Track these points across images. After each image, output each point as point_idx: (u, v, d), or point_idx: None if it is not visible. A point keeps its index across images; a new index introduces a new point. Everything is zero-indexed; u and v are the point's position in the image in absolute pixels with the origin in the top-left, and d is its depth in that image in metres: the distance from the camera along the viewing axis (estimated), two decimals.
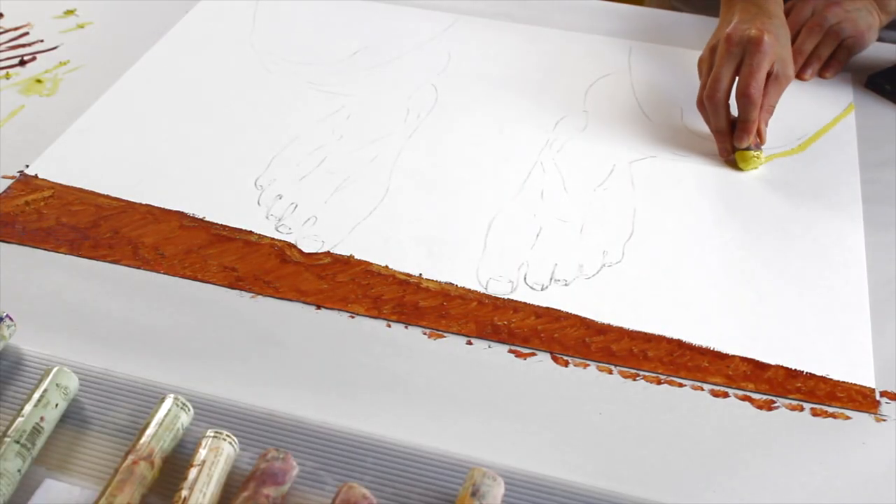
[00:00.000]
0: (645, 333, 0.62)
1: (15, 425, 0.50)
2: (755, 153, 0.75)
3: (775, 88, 0.76)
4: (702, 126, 0.80)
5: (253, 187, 0.74)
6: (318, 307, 0.63)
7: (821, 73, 0.88)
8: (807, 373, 0.60)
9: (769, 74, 0.75)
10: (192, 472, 0.48)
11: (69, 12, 0.97)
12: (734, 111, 0.76)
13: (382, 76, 0.88)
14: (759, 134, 0.76)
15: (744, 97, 0.74)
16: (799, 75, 0.87)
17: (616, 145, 0.78)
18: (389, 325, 0.62)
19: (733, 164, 0.76)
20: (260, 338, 0.61)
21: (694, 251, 0.68)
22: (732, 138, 0.76)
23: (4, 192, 0.73)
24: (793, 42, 0.87)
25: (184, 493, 0.47)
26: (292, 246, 0.68)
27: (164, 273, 0.66)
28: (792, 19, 0.88)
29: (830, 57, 0.88)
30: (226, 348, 0.60)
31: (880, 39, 0.92)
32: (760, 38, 0.73)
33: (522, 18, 0.96)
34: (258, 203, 0.72)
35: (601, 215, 0.71)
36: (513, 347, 0.61)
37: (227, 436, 0.51)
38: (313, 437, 0.53)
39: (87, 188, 0.73)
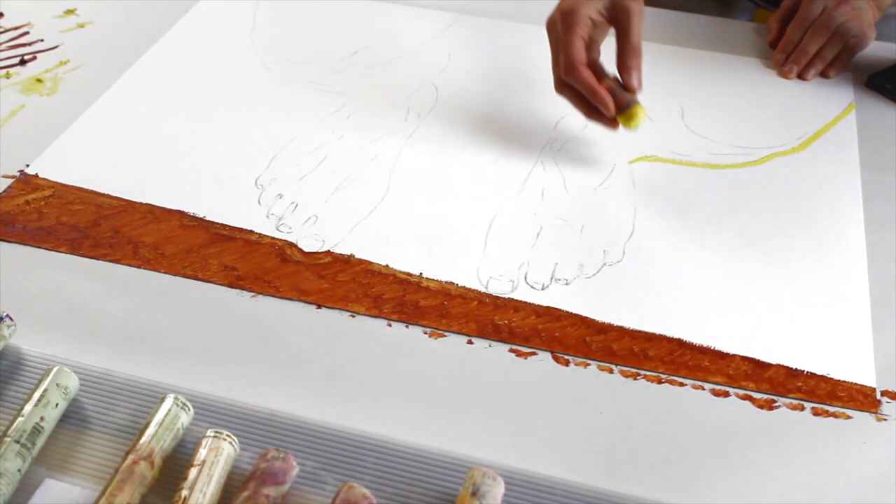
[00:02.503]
0: (645, 333, 0.62)
1: (15, 425, 0.50)
2: (640, 107, 0.73)
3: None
4: (702, 126, 0.81)
5: (253, 186, 0.74)
6: (319, 306, 0.63)
7: (824, 73, 0.88)
8: (807, 372, 0.60)
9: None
10: (192, 472, 0.48)
11: (69, 12, 0.96)
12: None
13: (382, 76, 0.88)
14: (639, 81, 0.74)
15: (628, 49, 0.72)
16: (801, 76, 0.87)
17: (616, 145, 0.78)
18: (390, 325, 0.62)
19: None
20: (260, 338, 0.61)
21: (694, 250, 0.68)
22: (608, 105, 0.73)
23: (4, 191, 0.73)
24: (798, 42, 0.87)
25: (184, 493, 0.47)
26: (293, 245, 0.68)
27: (164, 272, 0.66)
28: (801, 15, 0.88)
29: (834, 57, 0.87)
30: (226, 348, 0.60)
31: (880, 38, 0.92)
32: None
33: (522, 18, 0.96)
34: (258, 202, 0.72)
35: (602, 215, 0.71)
36: (513, 347, 0.61)
37: (227, 436, 0.51)
38: (313, 437, 0.53)
39: (87, 187, 0.73)
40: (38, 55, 0.89)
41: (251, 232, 0.69)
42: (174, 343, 0.60)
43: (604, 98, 0.72)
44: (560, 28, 0.73)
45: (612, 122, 0.73)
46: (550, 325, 0.62)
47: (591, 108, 0.74)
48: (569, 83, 0.73)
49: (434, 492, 0.51)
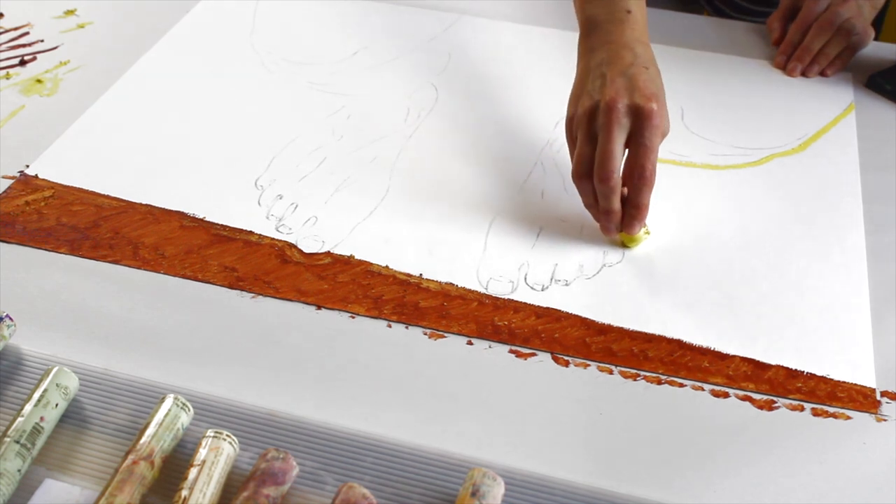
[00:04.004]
0: (645, 333, 0.62)
1: (15, 425, 0.50)
2: (645, 229, 0.68)
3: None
4: (702, 127, 0.81)
5: (253, 187, 0.74)
6: (319, 307, 0.63)
7: (822, 72, 0.88)
8: (807, 373, 0.60)
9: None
10: (192, 472, 0.48)
11: (69, 12, 0.96)
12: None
13: (382, 76, 0.88)
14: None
15: (640, 179, 0.64)
16: (805, 73, 0.87)
17: None
18: (390, 326, 0.62)
19: (623, 241, 0.68)
20: (260, 338, 0.61)
21: (694, 251, 0.68)
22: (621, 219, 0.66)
23: (4, 192, 0.73)
24: (801, 39, 0.87)
25: (184, 493, 0.47)
26: (293, 246, 0.68)
27: (164, 273, 0.66)
28: (804, 14, 0.88)
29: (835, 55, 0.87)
30: (226, 348, 0.60)
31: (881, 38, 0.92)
32: (651, 110, 0.63)
33: (522, 18, 0.96)
34: (258, 203, 0.72)
35: None
36: (513, 347, 0.61)
37: (227, 436, 0.51)
38: (313, 437, 0.53)
39: (87, 188, 0.73)
40: (37, 56, 0.89)
41: (251, 233, 0.69)
42: (174, 343, 0.60)
43: (617, 219, 0.66)
44: (602, 121, 0.64)
45: (614, 231, 0.67)
46: (550, 326, 0.62)
47: (596, 204, 0.67)
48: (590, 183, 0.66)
49: (434, 492, 0.51)
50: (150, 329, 0.61)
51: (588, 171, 0.65)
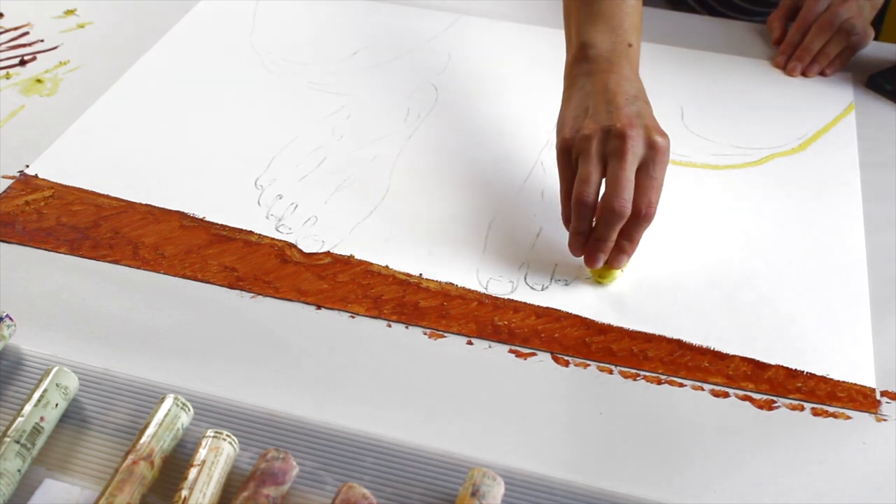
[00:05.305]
0: (645, 333, 0.62)
1: (15, 425, 0.50)
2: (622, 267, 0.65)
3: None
4: (702, 127, 0.81)
5: (253, 187, 0.74)
6: (319, 307, 0.63)
7: (822, 71, 0.88)
8: (807, 373, 0.60)
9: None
10: (192, 472, 0.48)
11: (69, 12, 0.96)
12: None
13: (382, 76, 0.88)
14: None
15: (645, 214, 0.61)
16: (805, 73, 0.87)
17: None
18: (390, 325, 0.62)
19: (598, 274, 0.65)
20: (260, 338, 0.61)
21: (694, 251, 0.68)
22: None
23: (4, 192, 0.73)
24: (801, 39, 0.87)
25: (184, 493, 0.47)
26: (292, 246, 0.68)
27: (164, 273, 0.66)
28: (804, 13, 0.88)
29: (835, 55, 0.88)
30: (226, 348, 0.60)
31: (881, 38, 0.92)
32: (664, 147, 0.61)
33: (522, 18, 0.96)
34: (258, 203, 0.72)
35: None
36: (513, 347, 0.61)
37: (227, 436, 0.51)
38: (313, 437, 0.53)
39: (87, 188, 0.73)
40: (37, 55, 0.89)
41: (251, 233, 0.69)
42: (174, 343, 0.60)
43: (608, 251, 0.63)
44: (617, 146, 0.61)
45: (598, 263, 0.64)
46: (550, 326, 0.62)
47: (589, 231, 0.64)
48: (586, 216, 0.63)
49: (434, 492, 0.51)
50: (150, 329, 0.61)
51: (594, 196, 0.62)
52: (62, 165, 0.75)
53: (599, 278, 0.65)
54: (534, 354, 0.60)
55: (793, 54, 0.88)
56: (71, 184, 0.74)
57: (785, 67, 0.88)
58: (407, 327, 0.62)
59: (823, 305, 0.64)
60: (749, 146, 0.79)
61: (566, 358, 0.60)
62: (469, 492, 0.48)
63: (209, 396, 0.55)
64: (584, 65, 0.68)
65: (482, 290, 0.65)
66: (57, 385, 0.53)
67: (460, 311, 0.63)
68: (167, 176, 0.75)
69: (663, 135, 0.62)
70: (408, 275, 0.66)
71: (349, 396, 0.57)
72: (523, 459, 0.53)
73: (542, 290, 0.65)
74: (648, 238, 0.68)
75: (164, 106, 0.83)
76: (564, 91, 0.69)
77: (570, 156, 0.64)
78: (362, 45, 0.92)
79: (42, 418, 0.51)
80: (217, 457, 0.49)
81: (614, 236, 0.62)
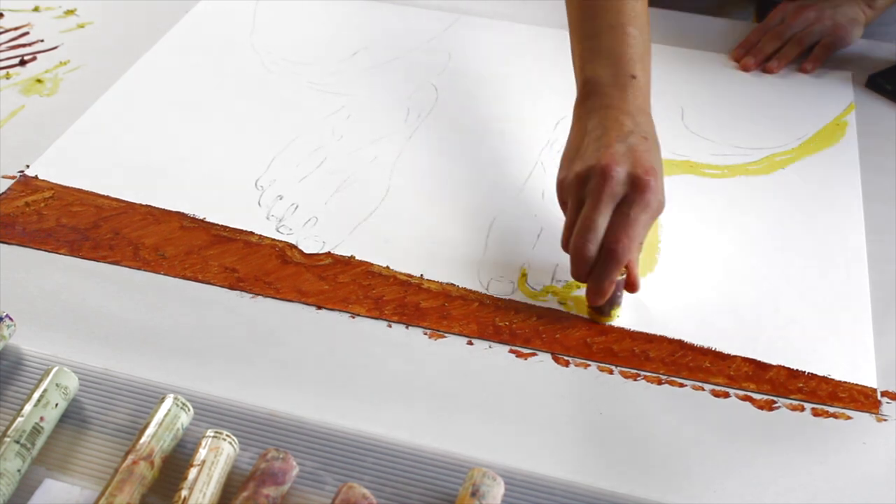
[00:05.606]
0: (646, 334, 0.62)
1: (15, 425, 0.50)
2: (613, 310, 0.62)
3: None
4: (702, 127, 0.81)
5: (253, 188, 0.74)
6: (319, 308, 0.63)
7: (801, 68, 0.89)
8: (808, 373, 0.59)
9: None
10: (192, 472, 0.48)
11: (69, 12, 0.97)
12: None
13: (382, 76, 0.88)
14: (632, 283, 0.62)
15: (608, 253, 0.59)
16: (766, 69, 0.89)
17: None
18: (390, 326, 0.62)
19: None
20: (260, 338, 0.61)
21: (694, 251, 0.68)
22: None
23: (4, 192, 0.72)
24: (758, 41, 0.91)
25: (184, 493, 0.47)
26: (293, 247, 0.68)
27: (164, 274, 0.66)
28: (765, 22, 0.92)
29: (809, 51, 0.89)
30: (226, 348, 0.60)
31: (880, 38, 0.92)
32: (647, 184, 0.59)
33: (522, 18, 0.96)
34: (259, 204, 0.72)
35: None
36: (513, 348, 0.61)
37: (227, 436, 0.51)
38: (313, 437, 0.53)
39: (87, 189, 0.73)
40: (37, 55, 0.89)
41: (251, 233, 0.69)
42: (174, 343, 0.60)
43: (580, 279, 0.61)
44: (592, 186, 0.59)
45: (590, 296, 0.61)
46: (551, 327, 0.62)
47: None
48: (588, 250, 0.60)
49: (434, 492, 0.51)
50: (150, 329, 0.61)
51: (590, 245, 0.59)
52: (62, 166, 0.75)
53: (591, 315, 0.63)
54: (534, 354, 0.60)
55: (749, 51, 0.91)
56: (71, 184, 0.73)
57: (740, 62, 0.90)
58: (407, 327, 0.62)
59: (824, 305, 0.64)
60: (749, 146, 0.79)
61: (566, 358, 0.60)
62: (469, 492, 0.48)
63: (209, 396, 0.55)
64: (587, 101, 0.66)
65: (483, 291, 0.65)
66: (57, 385, 0.53)
67: (461, 311, 0.63)
68: (167, 177, 0.75)
69: (649, 172, 0.59)
70: (409, 275, 0.66)
71: (349, 396, 0.57)
72: (523, 459, 0.53)
73: (543, 290, 0.65)
74: (649, 238, 0.68)
75: (164, 106, 0.83)
76: (570, 129, 0.67)
77: (564, 196, 0.63)
78: (362, 45, 0.92)
79: (42, 418, 0.51)
80: (217, 457, 0.49)
81: (585, 277, 0.60)
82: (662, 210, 0.61)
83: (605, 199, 0.59)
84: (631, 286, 0.62)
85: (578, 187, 0.61)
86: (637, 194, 0.59)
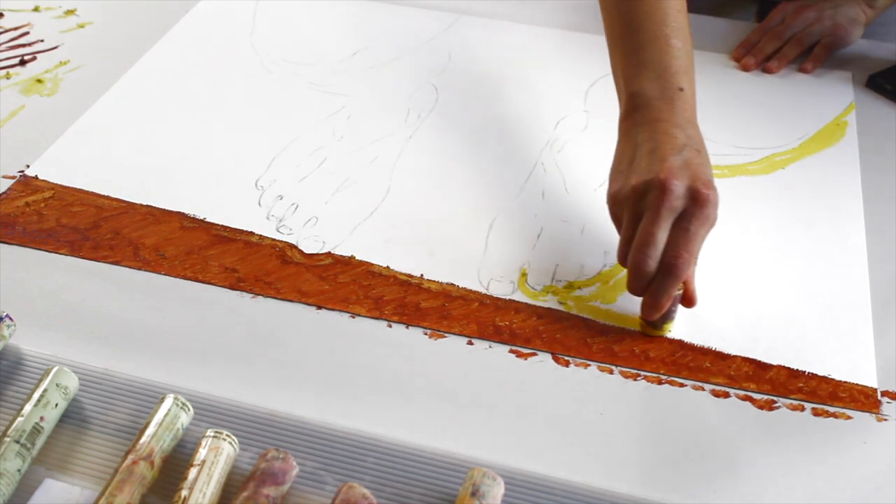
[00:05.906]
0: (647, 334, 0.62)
1: (15, 425, 0.50)
2: (666, 324, 0.61)
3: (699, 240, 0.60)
4: (702, 127, 0.80)
5: (253, 188, 0.74)
6: (319, 308, 0.63)
7: (801, 68, 0.89)
8: (809, 373, 0.59)
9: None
10: (192, 472, 0.48)
11: (69, 12, 0.97)
12: None
13: (382, 76, 0.88)
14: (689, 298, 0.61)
15: (669, 268, 0.58)
16: (767, 69, 0.89)
17: None
18: (390, 326, 0.62)
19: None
20: (260, 339, 0.61)
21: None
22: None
23: (4, 192, 0.72)
24: (759, 41, 0.91)
25: (184, 493, 0.47)
26: (293, 247, 0.68)
27: (164, 274, 0.66)
28: (765, 22, 0.92)
29: (809, 51, 0.90)
30: (226, 348, 0.60)
31: (880, 38, 0.92)
32: (707, 198, 0.58)
33: (522, 18, 0.96)
34: (259, 204, 0.72)
35: (602, 216, 0.71)
36: (513, 348, 0.61)
37: (227, 436, 0.51)
38: (313, 437, 0.53)
39: (87, 189, 0.73)
40: (38, 55, 0.89)
41: (252, 233, 0.69)
42: (174, 343, 0.60)
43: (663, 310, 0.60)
44: (652, 200, 0.58)
45: (645, 310, 0.60)
46: (551, 327, 0.62)
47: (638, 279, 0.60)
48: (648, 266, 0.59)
49: (434, 492, 0.51)
50: (150, 329, 0.61)
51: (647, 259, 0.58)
52: (62, 166, 0.75)
53: (645, 329, 0.62)
54: (534, 354, 0.60)
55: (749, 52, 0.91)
56: (71, 185, 0.73)
57: (740, 62, 0.90)
58: (407, 327, 0.62)
59: (825, 306, 0.64)
60: (749, 146, 0.79)
61: (567, 358, 0.60)
62: (469, 492, 0.48)
63: (209, 396, 0.55)
64: (634, 115, 0.65)
65: (483, 291, 0.65)
66: (57, 385, 0.53)
67: (461, 311, 0.63)
68: (168, 177, 0.75)
69: (709, 186, 0.58)
70: (409, 275, 0.66)
71: (349, 396, 0.57)
72: (523, 459, 0.53)
73: (543, 290, 0.65)
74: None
75: (164, 106, 0.83)
76: (617, 143, 0.66)
77: (619, 210, 0.62)
78: (362, 45, 0.92)
79: (42, 418, 0.51)
80: (217, 457, 0.49)
81: (642, 292, 0.60)
82: (715, 224, 0.60)
83: (664, 213, 0.58)
84: (688, 301, 0.61)
85: (635, 201, 0.60)
86: (697, 209, 0.58)
